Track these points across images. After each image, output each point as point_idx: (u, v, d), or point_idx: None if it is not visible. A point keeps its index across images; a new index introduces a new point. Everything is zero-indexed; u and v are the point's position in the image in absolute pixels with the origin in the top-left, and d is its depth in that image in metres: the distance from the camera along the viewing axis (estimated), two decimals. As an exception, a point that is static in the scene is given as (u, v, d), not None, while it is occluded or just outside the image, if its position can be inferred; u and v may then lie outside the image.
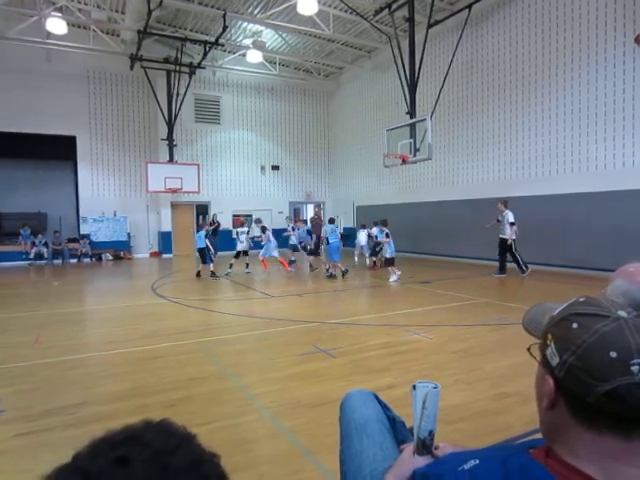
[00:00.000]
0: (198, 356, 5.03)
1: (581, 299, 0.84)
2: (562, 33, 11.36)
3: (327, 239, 11.62)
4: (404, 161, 12.07)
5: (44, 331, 6.45)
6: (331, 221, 12.37)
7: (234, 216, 19.99)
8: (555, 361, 0.79)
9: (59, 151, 17.76)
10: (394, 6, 12.77)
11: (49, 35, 14.89)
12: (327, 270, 11.57)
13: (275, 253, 12.64)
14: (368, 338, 5.61)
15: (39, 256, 16.15)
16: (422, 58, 12.13)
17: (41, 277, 9.63)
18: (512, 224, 10.75)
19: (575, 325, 0.79)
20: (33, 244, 16.27)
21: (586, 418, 0.76)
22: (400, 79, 12.65)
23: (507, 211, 10.89)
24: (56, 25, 13.98)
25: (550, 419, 0.83)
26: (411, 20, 12.35)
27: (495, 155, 13.29)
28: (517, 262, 10.79)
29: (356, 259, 14.29)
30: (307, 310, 7.64)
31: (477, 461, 0.87)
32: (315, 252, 14.09)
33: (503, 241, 10.88)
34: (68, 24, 14.36)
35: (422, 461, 1.11)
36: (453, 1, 13.63)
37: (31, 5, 14.62)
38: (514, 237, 10.77)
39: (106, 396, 3.90)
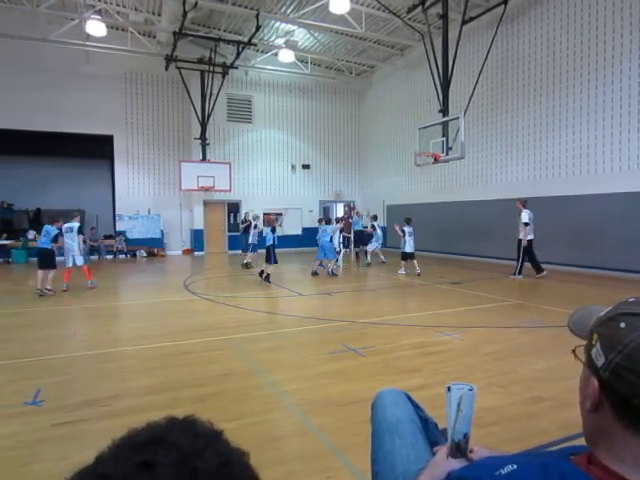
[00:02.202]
0: (228, 352, 5.10)
1: (630, 299, 0.80)
2: (602, 28, 10.97)
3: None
4: (436, 160, 11.92)
5: (80, 325, 6.67)
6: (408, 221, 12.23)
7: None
8: (600, 361, 0.76)
9: (97, 150, 18.36)
10: (427, 3, 12.59)
11: (89, 37, 15.36)
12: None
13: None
14: (398, 338, 5.57)
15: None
16: (455, 55, 11.92)
17: (79, 272, 9.97)
18: (526, 224, 10.52)
19: (623, 324, 0.76)
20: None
21: (632, 422, 0.73)
22: (433, 77, 12.48)
23: (524, 211, 10.63)
24: (96, 27, 14.42)
25: (594, 423, 0.80)
26: (445, 17, 12.16)
27: (530, 154, 12.96)
28: (531, 263, 10.59)
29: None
30: (337, 309, 7.65)
31: (515, 466, 0.85)
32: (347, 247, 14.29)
33: (519, 242, 10.66)
34: (107, 26, 14.78)
35: (456, 464, 1.09)
36: (488, -3, 13.35)
37: (72, 8, 15.14)
38: (530, 238, 10.54)
39: (139, 389, 4.00)
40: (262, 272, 10.67)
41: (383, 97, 19.97)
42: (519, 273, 10.71)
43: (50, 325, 6.67)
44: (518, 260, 10.78)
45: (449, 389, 1.14)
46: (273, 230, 10.92)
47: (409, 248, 11.67)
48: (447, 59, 12.18)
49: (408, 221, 12.12)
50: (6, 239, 16.34)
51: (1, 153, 17.53)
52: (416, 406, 1.51)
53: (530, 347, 5.16)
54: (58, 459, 2.84)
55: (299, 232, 20.45)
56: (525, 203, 10.82)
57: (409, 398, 1.53)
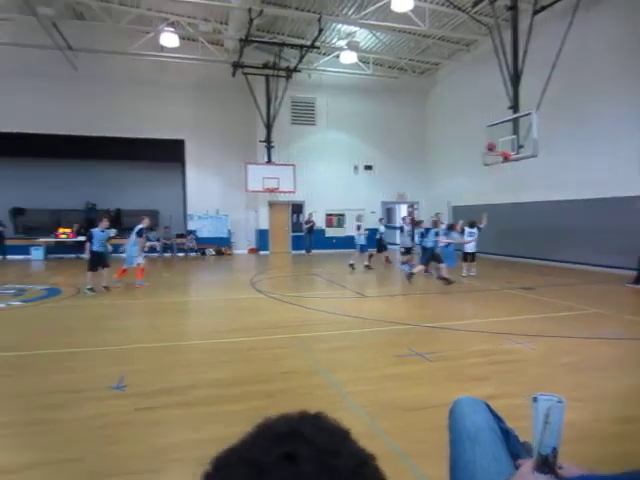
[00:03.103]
0: (293, 351, 5.20)
1: None
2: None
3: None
4: (506, 158, 11.45)
5: (157, 318, 7.07)
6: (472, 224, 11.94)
7: (327, 215, 20.34)
8: None
9: (170, 153, 19.36)
10: (496, -5, 12.13)
11: (162, 49, 16.23)
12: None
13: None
14: (465, 344, 5.42)
15: (152, 249, 17.68)
16: (526, 48, 11.38)
17: (154, 268, 10.65)
18: None
19: None
20: (147, 239, 17.84)
21: None
22: (502, 72, 11.99)
23: None
24: (169, 39, 15.25)
25: None
26: (514, 8, 11.66)
27: (611, 150, 12.09)
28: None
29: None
30: (401, 311, 7.56)
31: None
32: (408, 251, 13.57)
33: None
34: (179, 37, 15.55)
35: (543, 479, 1.05)
36: (563, -16, 12.63)
37: (148, 23, 16.09)
38: None
39: (212, 381, 4.19)
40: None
41: (448, 95, 19.47)
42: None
43: (129, 317, 7.14)
44: None
45: (535, 399, 1.09)
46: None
47: (469, 248, 11.67)
48: (517, 52, 11.66)
49: (472, 224, 11.88)
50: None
51: (86, 157, 18.94)
52: (496, 416, 1.48)
53: (612, 360, 4.84)
54: (141, 441, 3.06)
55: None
56: None
57: (489, 407, 1.50)
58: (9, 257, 16.75)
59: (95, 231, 9.40)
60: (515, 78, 11.79)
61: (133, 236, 10.24)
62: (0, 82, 16.95)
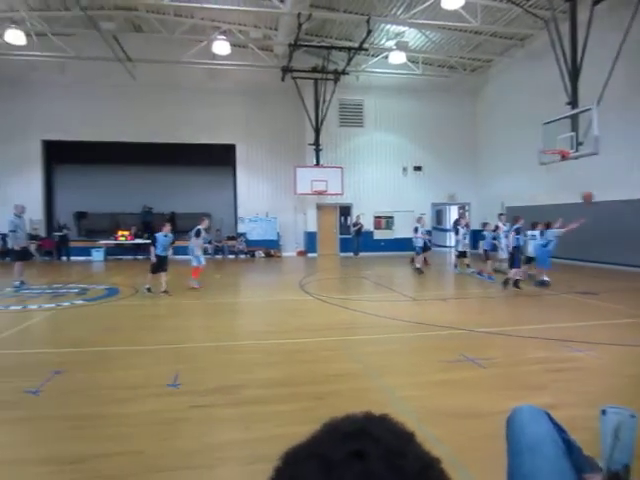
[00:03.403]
0: (342, 353, 5.20)
1: None
2: None
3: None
4: (564, 157, 10.94)
5: (210, 318, 7.27)
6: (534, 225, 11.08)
7: (375, 217, 20.20)
8: None
9: (221, 158, 19.92)
10: (553, -13, 11.64)
11: (214, 56, 16.73)
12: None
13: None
14: (521, 351, 5.22)
15: (204, 251, 18.21)
16: (586, 40, 10.84)
17: (206, 269, 11.05)
18: None
19: None
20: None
21: None
22: (559, 66, 11.48)
23: None
24: (221, 47, 15.69)
25: None
26: None
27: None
28: None
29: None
30: (452, 316, 7.38)
31: None
32: (464, 254, 13.03)
33: None
34: (230, 45, 15.95)
35: None
36: (626, -28, 11.94)
37: (201, 32, 16.64)
38: None
39: (262, 381, 4.27)
40: (508, 280, 9.60)
41: (501, 92, 18.85)
42: None
43: (184, 317, 7.38)
44: None
45: (604, 412, 1.03)
46: (518, 230, 9.79)
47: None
48: (576, 45, 11.15)
49: (534, 225, 11.05)
50: (147, 239, 18.45)
51: (144, 163, 19.85)
52: (558, 427, 1.41)
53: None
54: (195, 437, 3.16)
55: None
56: None
57: (550, 417, 1.43)
58: (72, 258, 17.74)
59: (159, 236, 9.59)
60: (574, 72, 11.27)
61: (192, 237, 10.53)
62: (65, 93, 18.07)
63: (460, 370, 4.54)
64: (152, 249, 9.45)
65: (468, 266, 12.50)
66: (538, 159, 11.84)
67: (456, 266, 12.85)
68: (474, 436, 3.07)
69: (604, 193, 13.45)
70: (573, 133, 10.75)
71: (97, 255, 17.87)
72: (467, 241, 12.93)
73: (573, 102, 11.17)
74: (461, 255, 12.87)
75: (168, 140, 18.74)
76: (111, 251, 18.46)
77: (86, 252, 17.96)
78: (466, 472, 2.68)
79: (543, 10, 13.25)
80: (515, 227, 9.85)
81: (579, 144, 10.62)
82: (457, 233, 13.03)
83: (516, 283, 9.54)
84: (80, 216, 20.27)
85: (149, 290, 9.36)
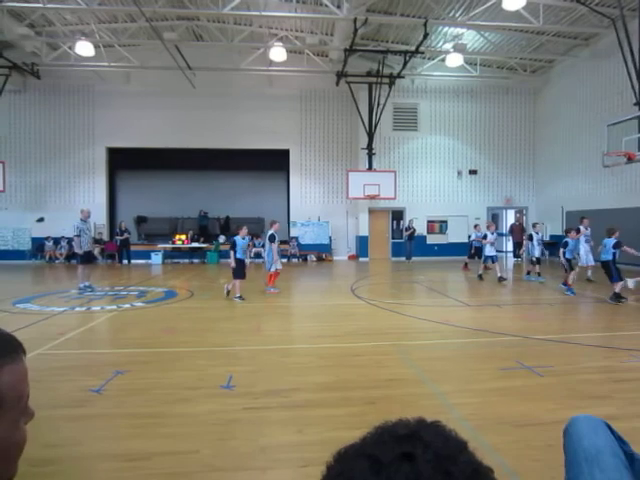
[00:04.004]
0: (395, 358, 5.19)
1: None
2: None
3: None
4: (630, 159, 10.41)
5: (262, 321, 7.46)
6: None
7: (428, 222, 19.92)
8: None
9: (276, 163, 20.32)
10: (622, -17, 11.10)
11: (271, 63, 17.14)
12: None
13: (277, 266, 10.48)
14: (582, 359, 5.03)
15: (257, 255, 18.67)
16: (658, 38, 10.27)
17: (259, 273, 11.37)
18: None
19: None
20: (253, 245, 18.89)
21: None
22: (627, 65, 10.93)
23: None
24: (278, 53, 16.04)
25: None
26: (645, -4, 10.58)
27: None
28: None
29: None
30: (508, 322, 7.17)
31: None
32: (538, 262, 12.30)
33: None
34: (287, 51, 16.30)
35: None
36: None
37: (259, 39, 17.13)
38: None
39: (314, 385, 4.32)
40: (616, 295, 8.62)
41: (563, 93, 18.09)
42: None
43: (238, 319, 7.62)
44: None
45: None
46: (616, 245, 8.72)
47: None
48: (647, 44, 10.56)
49: (567, 231, 10.24)
50: (202, 242, 19.13)
51: (201, 169, 20.60)
52: (619, 438, 1.38)
53: None
54: (249, 439, 3.25)
55: (465, 240, 19.68)
56: None
57: (610, 428, 1.40)
58: (133, 261, 18.40)
59: (237, 239, 9.36)
60: (644, 71, 10.68)
61: (267, 243, 10.54)
62: (129, 102, 19.10)
63: (516, 378, 4.43)
64: (232, 253, 9.21)
65: (539, 274, 11.93)
66: (602, 161, 11.30)
67: (529, 273, 12.32)
68: (532, 445, 3.00)
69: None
70: (641, 135, 10.21)
71: (156, 258, 18.50)
72: (539, 247, 12.10)
73: (642, 102, 10.61)
74: (536, 262, 11.98)
75: (224, 146, 19.41)
76: (169, 254, 19.16)
77: (146, 255, 18.67)
78: (522, 483, 2.65)
79: (610, 8, 12.63)
80: (615, 240, 8.67)
81: (648, 147, 10.06)
82: (531, 239, 12.14)
83: (619, 297, 8.54)
84: (140, 220, 21.17)
85: (240, 298, 9.08)
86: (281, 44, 16.05)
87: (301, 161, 19.99)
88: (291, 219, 20.19)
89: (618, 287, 8.56)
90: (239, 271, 9.26)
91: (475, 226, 15.66)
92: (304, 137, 19.85)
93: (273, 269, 10.33)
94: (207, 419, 3.55)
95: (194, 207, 21.06)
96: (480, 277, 12.33)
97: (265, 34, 16.85)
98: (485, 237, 12.39)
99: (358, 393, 4.08)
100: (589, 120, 16.08)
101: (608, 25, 13.00)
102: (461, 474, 0.54)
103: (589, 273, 11.47)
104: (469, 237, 15.19)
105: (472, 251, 14.88)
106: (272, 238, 10.24)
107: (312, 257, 19.39)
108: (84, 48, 15.39)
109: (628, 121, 10.72)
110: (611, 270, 8.56)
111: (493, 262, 12.09)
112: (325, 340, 6.07)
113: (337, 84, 18.22)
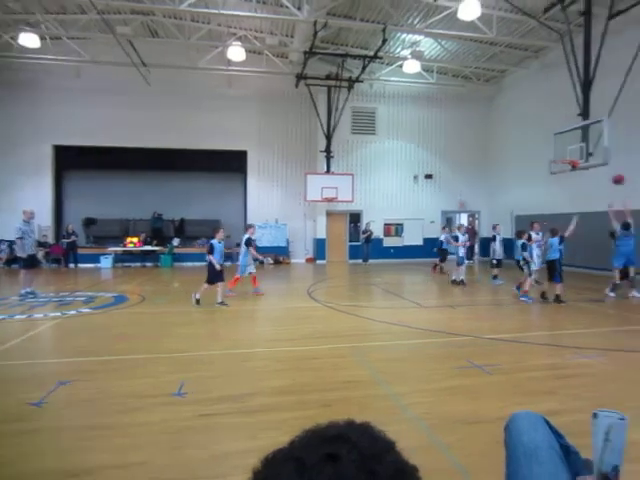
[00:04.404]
0: (352, 360, 5.23)
1: None
2: None
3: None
4: (574, 167, 10.96)
5: (219, 325, 7.33)
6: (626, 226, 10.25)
7: (385, 225, 20.24)
8: None
9: (232, 164, 19.99)
10: (567, 1, 11.71)
11: (230, 62, 16.93)
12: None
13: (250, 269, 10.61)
14: (528, 357, 5.25)
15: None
16: (599, 54, 10.88)
17: (170, 277, 11.25)
18: None
19: None
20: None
21: None
22: (572, 78, 11.53)
23: None
24: (236, 53, 15.82)
25: None
26: (587, 13, 11.21)
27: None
28: None
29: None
30: (461, 323, 7.38)
31: None
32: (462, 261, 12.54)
33: None
34: (245, 51, 16.13)
35: None
36: (641, -14, 11.95)
37: (217, 37, 16.88)
38: None
39: (270, 389, 4.29)
40: (544, 294, 9.20)
41: (514, 102, 18.89)
42: None
43: (192, 324, 7.45)
44: None
45: (595, 416, 1.10)
46: (561, 240, 9.14)
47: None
48: (589, 58, 11.18)
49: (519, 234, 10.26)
50: (156, 245, 18.55)
51: (154, 169, 19.94)
52: (555, 432, 1.43)
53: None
54: (202, 447, 3.16)
55: (420, 242, 20.16)
56: None
57: (547, 423, 1.46)
58: (81, 265, 17.47)
59: (214, 242, 8.99)
60: (586, 84, 11.30)
61: (242, 246, 10.41)
62: (78, 98, 18.23)
63: (467, 377, 4.57)
64: (212, 258, 8.81)
65: (496, 277, 12.09)
66: (549, 168, 11.86)
67: (495, 277, 12.20)
68: (482, 442, 3.10)
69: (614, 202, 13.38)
70: (583, 144, 10.79)
71: (105, 262, 17.61)
72: (502, 249, 12.17)
73: (584, 113, 11.24)
74: (497, 265, 12.11)
75: (180, 146, 18.88)
76: (120, 258, 18.29)
77: (95, 259, 17.74)
78: (470, 477, 2.72)
79: (559, 23, 13.30)
80: (558, 237, 9.10)
81: (589, 154, 10.65)
82: (494, 240, 12.10)
83: (558, 298, 8.96)
84: (89, 222, 19.97)
85: (198, 302, 8.81)
86: (240, 44, 15.87)
87: (259, 163, 19.82)
88: (248, 221, 19.91)
89: (559, 288, 9.02)
90: (218, 274, 8.91)
91: (443, 227, 15.95)
92: (262, 138, 19.71)
93: (247, 273, 10.21)
94: (158, 428, 3.44)
95: (147, 209, 20.18)
96: (456, 282, 11.99)
97: (224, 33, 16.62)
98: (457, 239, 12.54)
99: (314, 396, 4.08)
100: (538, 129, 16.82)
101: (556, 39, 13.65)
102: (385, 473, 0.55)
103: (537, 276, 11.90)
104: (438, 239, 15.37)
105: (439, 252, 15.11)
106: (248, 242, 10.18)
107: (269, 260, 19.24)
108: (29, 39, 14.59)
109: (573, 131, 11.29)
110: (556, 269, 8.97)
111: (459, 264, 12.11)
112: (282, 344, 6.04)
113: (296, 86, 18.23)
